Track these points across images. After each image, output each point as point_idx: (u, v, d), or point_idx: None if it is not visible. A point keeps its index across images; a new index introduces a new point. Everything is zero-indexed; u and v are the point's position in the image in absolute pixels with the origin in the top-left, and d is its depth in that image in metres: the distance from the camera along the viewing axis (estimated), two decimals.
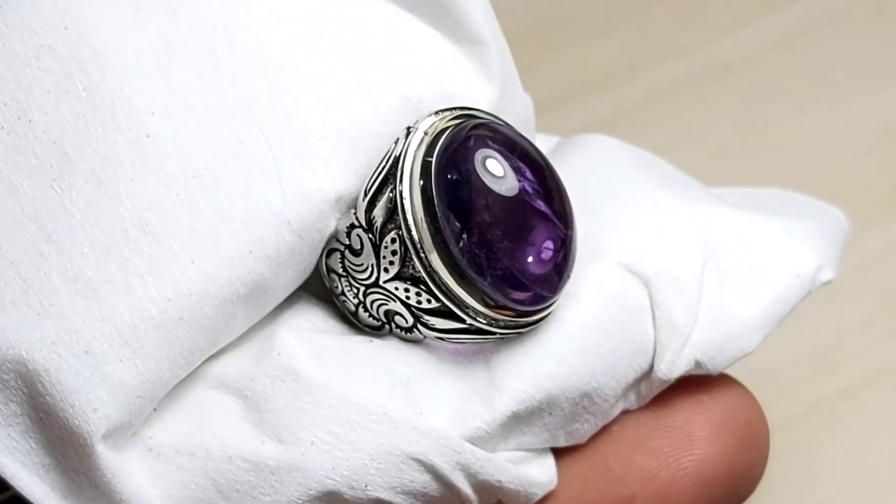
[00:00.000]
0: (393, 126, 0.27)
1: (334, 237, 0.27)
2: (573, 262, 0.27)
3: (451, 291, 0.26)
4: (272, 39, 0.26)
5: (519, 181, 0.26)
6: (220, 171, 0.25)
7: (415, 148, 0.26)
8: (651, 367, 0.28)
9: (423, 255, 0.25)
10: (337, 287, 0.27)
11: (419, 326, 0.27)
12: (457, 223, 0.25)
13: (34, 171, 0.25)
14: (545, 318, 0.27)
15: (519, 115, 0.29)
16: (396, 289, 0.26)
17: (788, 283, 0.29)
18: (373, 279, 0.26)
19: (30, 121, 0.25)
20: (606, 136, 0.32)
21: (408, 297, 0.26)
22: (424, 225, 0.25)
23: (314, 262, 0.27)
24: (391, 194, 0.26)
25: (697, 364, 0.28)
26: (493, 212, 0.25)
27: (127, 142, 0.25)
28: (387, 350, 0.27)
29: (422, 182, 0.25)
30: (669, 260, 0.28)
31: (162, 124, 0.25)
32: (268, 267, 0.26)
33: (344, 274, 0.27)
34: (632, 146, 0.32)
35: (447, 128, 0.26)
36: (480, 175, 0.25)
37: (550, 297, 0.27)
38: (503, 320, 0.26)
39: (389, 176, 0.26)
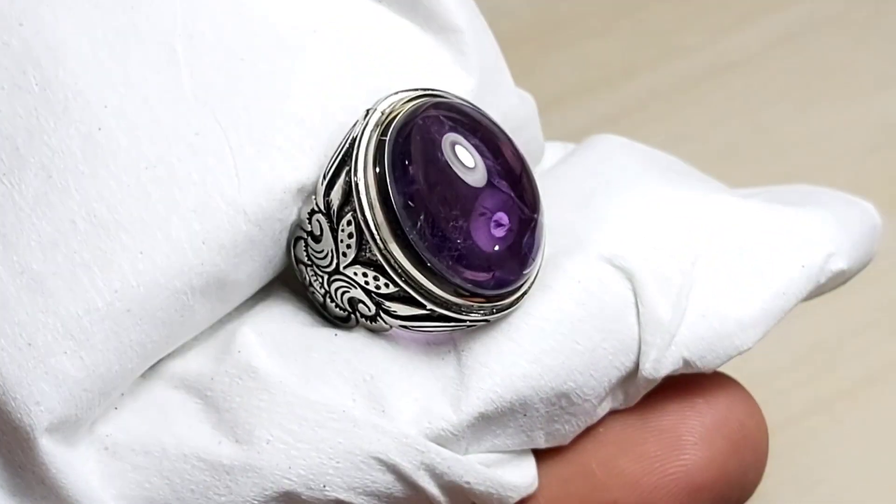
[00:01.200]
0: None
1: (298, 225, 0.26)
2: (541, 247, 0.26)
3: (407, 274, 0.25)
4: (234, 33, 0.26)
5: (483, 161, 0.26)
6: (173, 162, 0.25)
7: (371, 128, 0.25)
8: (637, 365, 0.27)
9: (377, 237, 0.25)
10: (305, 278, 0.27)
11: (381, 314, 0.26)
12: (410, 203, 0.25)
13: None
14: (515, 309, 0.26)
15: (509, 111, 0.29)
16: (356, 274, 0.25)
17: (791, 275, 0.28)
18: (333, 265, 0.26)
19: None
20: (616, 135, 0.31)
21: (367, 283, 0.25)
22: (378, 206, 0.25)
23: (280, 253, 0.26)
24: (347, 176, 0.25)
25: (686, 363, 0.27)
26: (448, 191, 0.25)
27: (79, 135, 0.25)
28: (351, 345, 0.26)
29: (376, 162, 0.25)
30: (657, 253, 0.27)
31: (115, 117, 0.25)
32: (223, 258, 0.25)
33: (309, 263, 0.26)
34: (643, 145, 0.31)
35: (406, 107, 0.26)
36: (450, 162, 0.25)
37: (512, 281, 0.26)
38: (464, 305, 0.25)
39: (346, 158, 0.25)
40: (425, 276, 0.25)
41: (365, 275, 0.25)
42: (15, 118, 0.25)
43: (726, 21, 0.55)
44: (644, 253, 0.27)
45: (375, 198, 0.25)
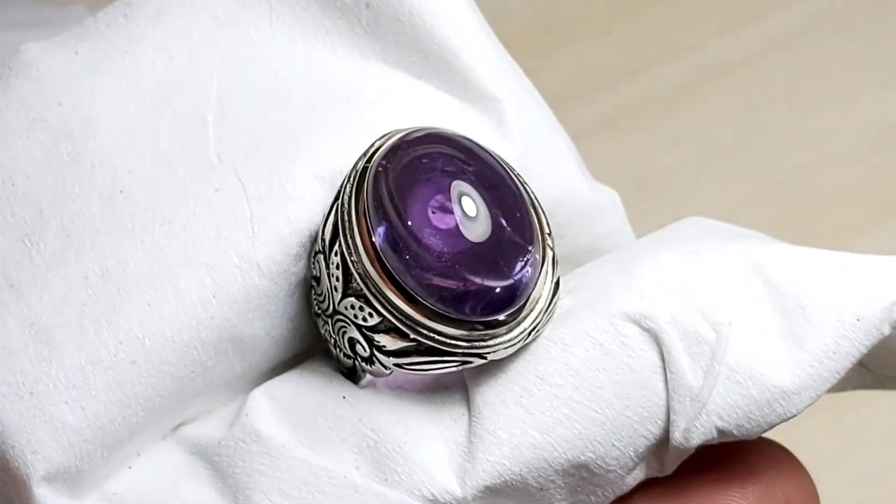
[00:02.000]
0: None
1: (310, 274, 0.26)
2: (534, 280, 0.25)
3: (385, 298, 0.24)
4: (266, 99, 0.26)
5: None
6: (189, 218, 0.25)
7: (361, 161, 0.25)
8: (667, 432, 0.25)
9: (357, 262, 0.24)
10: (321, 332, 0.26)
11: (375, 353, 0.25)
12: (384, 222, 0.24)
13: (9, 229, 0.25)
14: (515, 346, 0.25)
15: (564, 196, 0.28)
16: (346, 309, 0.25)
17: (844, 331, 0.25)
18: (332, 306, 0.25)
19: (13, 184, 0.26)
20: (705, 218, 0.29)
21: (356, 316, 0.25)
22: (357, 232, 0.24)
23: (298, 310, 0.26)
24: (334, 209, 0.25)
25: (721, 433, 0.25)
26: (420, 216, 0.24)
27: (100, 198, 0.25)
28: (358, 408, 0.25)
29: (358, 189, 0.25)
30: (689, 311, 0.25)
31: (137, 180, 0.25)
32: (235, 312, 0.25)
33: (318, 312, 0.26)
34: (726, 225, 0.28)
35: (394, 138, 0.25)
36: (452, 209, 0.24)
37: (496, 303, 0.25)
38: (447, 333, 0.24)
39: (337, 197, 0.25)
40: (402, 299, 0.24)
41: (352, 307, 0.25)
42: (43, 184, 0.26)
43: (726, 21, 0.55)
44: (674, 311, 0.25)
45: (356, 223, 0.24)
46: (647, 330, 0.25)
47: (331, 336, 0.26)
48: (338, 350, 0.26)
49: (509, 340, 0.25)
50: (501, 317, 0.25)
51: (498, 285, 0.25)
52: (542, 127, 0.28)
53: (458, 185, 0.25)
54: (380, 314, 0.25)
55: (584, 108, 0.52)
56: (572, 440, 0.25)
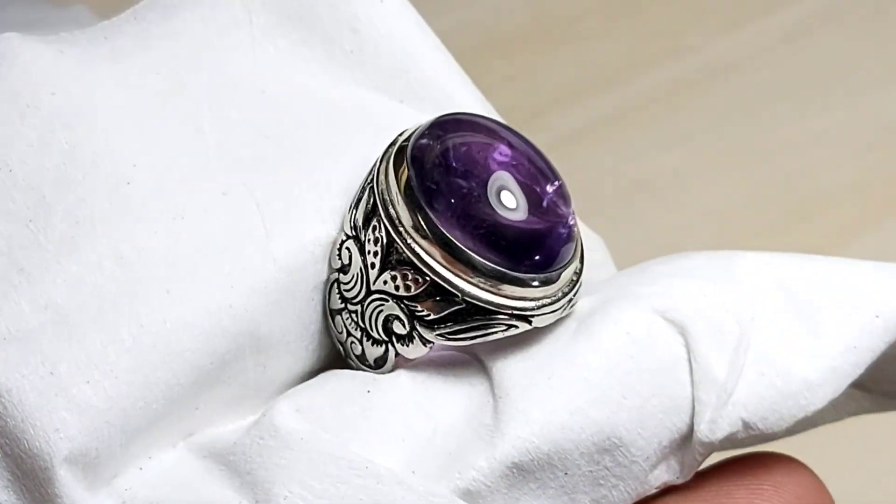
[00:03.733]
0: None
1: (330, 275, 0.26)
2: (577, 249, 0.26)
3: (433, 258, 0.25)
4: (259, 116, 0.27)
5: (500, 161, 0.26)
6: (201, 213, 0.25)
7: (392, 146, 0.26)
8: (691, 427, 0.25)
9: (400, 228, 0.25)
10: (342, 332, 0.26)
11: (417, 327, 0.25)
12: (433, 186, 0.25)
13: (10, 214, 0.25)
14: (552, 316, 0.25)
15: None
16: (385, 283, 0.25)
17: (865, 326, 0.25)
18: (364, 289, 0.25)
19: (10, 170, 0.25)
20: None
21: (397, 288, 0.25)
22: (401, 199, 0.25)
23: (314, 317, 0.26)
24: (370, 190, 0.25)
25: (746, 425, 0.25)
26: (463, 175, 0.25)
27: (106, 187, 0.25)
28: (384, 401, 0.25)
29: (398, 165, 0.25)
30: (711, 306, 0.25)
31: (143, 174, 0.25)
32: (254, 303, 0.25)
33: (342, 306, 0.26)
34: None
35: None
36: (493, 204, 0.25)
37: (548, 262, 0.25)
38: (497, 292, 0.25)
39: (370, 181, 0.25)
40: (454, 257, 0.25)
41: (395, 279, 0.25)
42: (42, 171, 0.25)
43: (726, 21, 0.55)
44: (698, 305, 0.25)
45: (397, 192, 0.25)
46: (672, 321, 0.25)
47: (356, 328, 0.26)
48: (365, 341, 0.26)
49: (554, 307, 0.25)
50: (546, 274, 0.25)
51: (558, 228, 0.25)
52: None
53: (500, 175, 0.25)
54: (425, 278, 0.25)
55: (584, 108, 0.52)
56: (601, 423, 0.25)
